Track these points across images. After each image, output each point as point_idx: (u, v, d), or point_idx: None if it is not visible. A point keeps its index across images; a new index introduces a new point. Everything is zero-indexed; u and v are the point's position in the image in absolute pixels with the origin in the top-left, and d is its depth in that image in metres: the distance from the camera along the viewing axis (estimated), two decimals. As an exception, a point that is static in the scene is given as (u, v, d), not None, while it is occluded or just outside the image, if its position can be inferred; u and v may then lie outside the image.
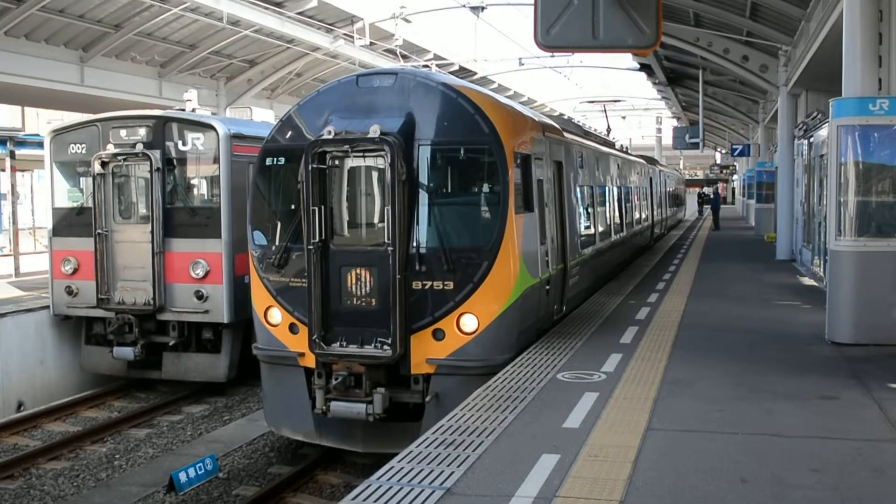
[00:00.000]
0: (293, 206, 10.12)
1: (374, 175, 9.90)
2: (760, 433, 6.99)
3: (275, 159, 10.34)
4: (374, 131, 9.46)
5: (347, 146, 9.62)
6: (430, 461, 6.32)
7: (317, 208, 9.61)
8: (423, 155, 9.70)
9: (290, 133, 10.31)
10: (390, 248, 9.37)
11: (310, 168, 9.58)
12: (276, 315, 10.13)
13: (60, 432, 12.76)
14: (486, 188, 9.87)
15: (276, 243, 10.21)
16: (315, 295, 9.62)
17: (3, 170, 20.83)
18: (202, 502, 9.73)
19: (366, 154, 9.71)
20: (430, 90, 9.96)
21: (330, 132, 9.66)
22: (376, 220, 9.90)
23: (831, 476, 6.01)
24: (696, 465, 6.21)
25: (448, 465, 6.19)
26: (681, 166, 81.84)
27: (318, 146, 9.63)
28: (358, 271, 9.65)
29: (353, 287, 9.66)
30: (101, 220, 13.85)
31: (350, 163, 9.86)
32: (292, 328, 10.01)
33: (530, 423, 7.22)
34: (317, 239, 9.60)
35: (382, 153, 9.46)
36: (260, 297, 10.30)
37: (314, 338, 9.63)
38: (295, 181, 9.91)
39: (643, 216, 25.17)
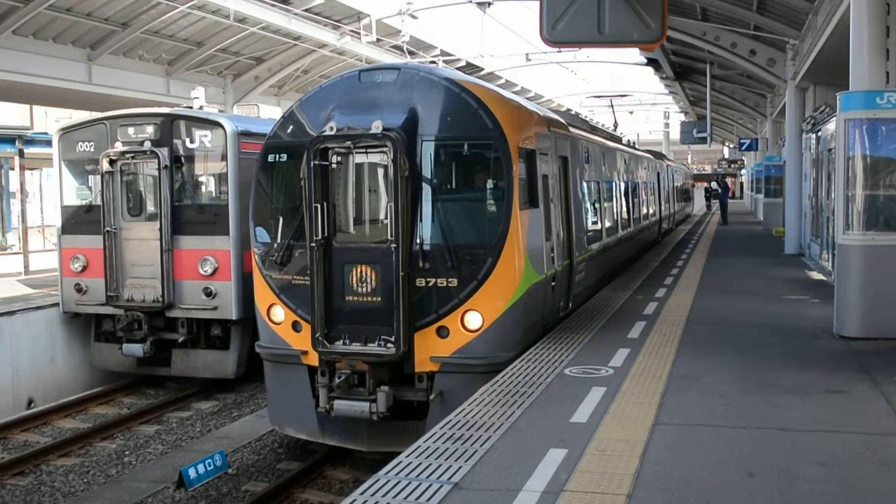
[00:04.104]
0: (296, 203, 10.04)
1: (378, 171, 9.82)
2: (768, 427, 7.00)
3: (277, 156, 10.28)
4: (377, 127, 9.37)
5: (350, 142, 9.53)
6: (438, 456, 6.33)
7: (319, 205, 9.52)
8: (427, 151, 9.61)
9: (292, 129, 10.24)
10: (394, 245, 9.29)
11: (312, 164, 9.49)
12: (279, 313, 10.08)
13: (70, 429, 12.81)
14: (490, 184, 9.77)
15: (279, 241, 10.17)
16: (318, 292, 9.54)
17: (13, 168, 20.92)
18: (212, 498, 9.77)
19: (368, 150, 9.62)
20: (433, 85, 9.88)
21: (332, 128, 9.57)
22: (380, 216, 9.81)
23: (838, 470, 6.01)
24: (704, 459, 6.22)
25: (456, 460, 6.21)
26: (688, 161, 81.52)
27: (321, 142, 9.54)
28: (361, 268, 9.57)
29: (357, 284, 9.58)
30: (109, 217, 13.88)
31: (353, 159, 9.77)
32: (295, 326, 9.96)
33: (538, 418, 7.23)
34: (319, 236, 9.51)
35: (385, 149, 9.39)
36: (263, 294, 10.27)
37: (317, 336, 9.56)
38: (297, 178, 9.81)
39: (651, 211, 25.12)
